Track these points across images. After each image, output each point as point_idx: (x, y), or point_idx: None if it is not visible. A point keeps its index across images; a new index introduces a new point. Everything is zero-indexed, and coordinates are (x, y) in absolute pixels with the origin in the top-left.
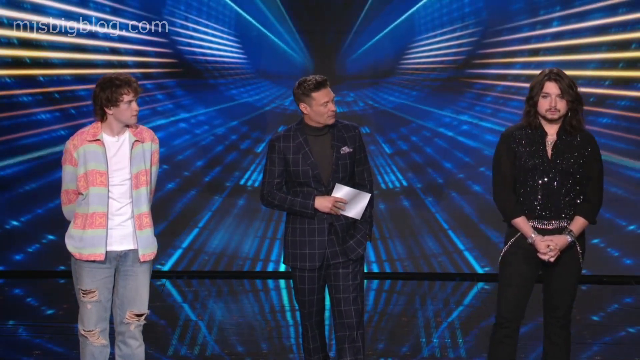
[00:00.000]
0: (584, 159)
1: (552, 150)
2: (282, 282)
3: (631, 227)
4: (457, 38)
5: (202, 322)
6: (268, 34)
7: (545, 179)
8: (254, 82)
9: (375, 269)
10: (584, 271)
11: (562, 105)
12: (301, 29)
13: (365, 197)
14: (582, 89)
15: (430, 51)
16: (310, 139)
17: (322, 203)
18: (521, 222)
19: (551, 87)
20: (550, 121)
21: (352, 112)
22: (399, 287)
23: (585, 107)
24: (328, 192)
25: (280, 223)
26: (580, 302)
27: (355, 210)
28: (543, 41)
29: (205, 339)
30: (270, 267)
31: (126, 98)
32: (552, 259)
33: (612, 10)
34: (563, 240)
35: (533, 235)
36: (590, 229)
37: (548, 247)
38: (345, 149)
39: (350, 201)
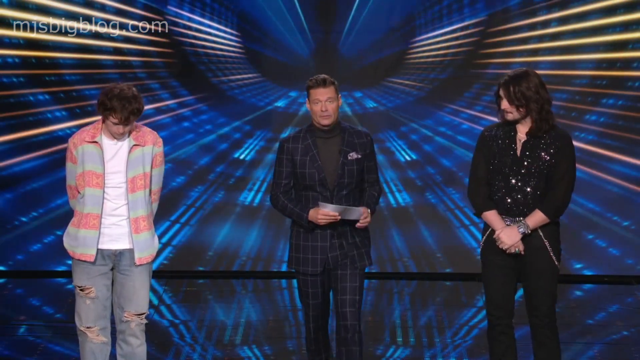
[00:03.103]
0: (552, 158)
1: (521, 149)
2: (284, 282)
3: (633, 227)
4: (457, 38)
5: (203, 322)
6: (270, 33)
7: (512, 176)
8: (256, 82)
9: (375, 268)
10: (585, 271)
11: (512, 109)
12: (303, 29)
13: (356, 210)
14: (579, 89)
15: (431, 51)
16: (319, 141)
17: (313, 216)
18: (490, 216)
19: (501, 91)
20: (519, 121)
21: (353, 111)
22: (399, 287)
23: (583, 106)
24: (333, 197)
25: (283, 222)
26: (581, 302)
27: (353, 215)
28: (542, 41)
29: (207, 339)
30: (273, 267)
31: (112, 120)
32: (513, 251)
33: (609, 11)
34: (514, 236)
35: (498, 230)
36: (592, 228)
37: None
38: (354, 155)
39: (341, 213)
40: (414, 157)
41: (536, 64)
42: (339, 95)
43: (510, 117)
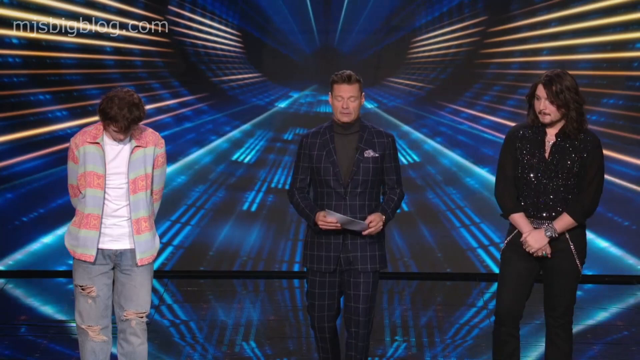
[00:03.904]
0: (581, 161)
1: (550, 151)
2: (284, 282)
3: (634, 227)
4: (457, 38)
5: (204, 322)
6: (271, 33)
7: (540, 178)
8: (257, 82)
9: None
10: (586, 271)
11: (551, 109)
12: (303, 29)
13: (360, 224)
14: (580, 89)
15: (431, 51)
16: (337, 137)
17: (317, 216)
18: (518, 218)
19: (541, 90)
20: (555, 123)
21: None
22: (400, 286)
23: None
24: (347, 193)
25: (283, 222)
26: (582, 301)
27: (355, 227)
28: (542, 41)
29: (208, 338)
30: (274, 267)
31: (113, 128)
32: (540, 254)
33: (609, 11)
34: (541, 240)
35: (525, 234)
36: (593, 228)
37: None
38: (370, 153)
39: (345, 223)
40: (414, 157)
41: (536, 64)
42: (363, 93)
43: (548, 119)
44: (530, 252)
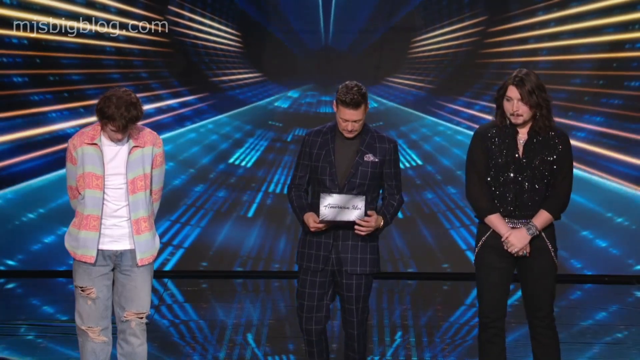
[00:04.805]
0: (554, 157)
1: (522, 149)
2: (284, 282)
3: (633, 227)
4: (457, 39)
5: (204, 322)
6: (271, 32)
7: (515, 178)
8: (257, 82)
9: None
10: (586, 271)
11: (524, 110)
12: (304, 28)
13: (361, 199)
14: (578, 88)
15: (431, 51)
16: (338, 138)
17: (307, 219)
18: (495, 219)
19: (513, 92)
20: (527, 123)
21: None
22: (400, 286)
23: (582, 106)
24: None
25: (283, 222)
26: (582, 301)
27: (354, 213)
28: (541, 41)
29: (207, 338)
30: (274, 267)
31: (110, 127)
32: (521, 254)
33: (608, 11)
34: (523, 239)
35: (506, 234)
36: (592, 228)
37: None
38: (370, 157)
39: (343, 206)
40: (413, 156)
41: (535, 63)
42: (367, 104)
43: (520, 119)
44: (513, 251)
